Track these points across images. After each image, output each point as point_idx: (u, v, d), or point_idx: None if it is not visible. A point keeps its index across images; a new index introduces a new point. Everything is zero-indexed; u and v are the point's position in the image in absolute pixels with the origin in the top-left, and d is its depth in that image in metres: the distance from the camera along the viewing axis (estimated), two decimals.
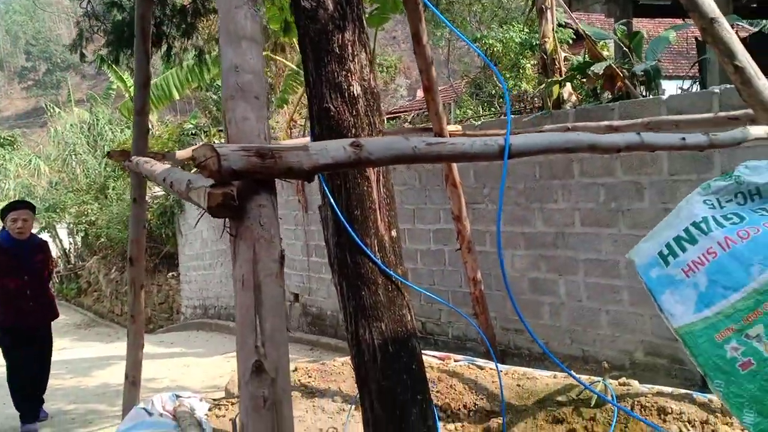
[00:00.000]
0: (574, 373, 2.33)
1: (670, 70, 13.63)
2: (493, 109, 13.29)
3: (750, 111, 3.32)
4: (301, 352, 8.07)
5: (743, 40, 7.56)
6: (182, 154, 4.47)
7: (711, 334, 1.46)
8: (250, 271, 1.42)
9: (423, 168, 7.06)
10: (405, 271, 3.59)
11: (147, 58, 4.44)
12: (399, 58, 26.24)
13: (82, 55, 6.49)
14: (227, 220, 1.52)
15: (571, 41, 13.45)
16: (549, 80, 6.00)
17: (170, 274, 14.32)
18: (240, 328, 1.43)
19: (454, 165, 5.43)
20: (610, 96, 5.80)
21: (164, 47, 6.24)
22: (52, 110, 23.71)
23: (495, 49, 14.06)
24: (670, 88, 9.24)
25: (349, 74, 3.59)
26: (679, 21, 8.05)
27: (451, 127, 5.37)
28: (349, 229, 3.29)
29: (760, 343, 1.39)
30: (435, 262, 7.13)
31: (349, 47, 3.62)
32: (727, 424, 3.68)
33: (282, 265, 1.47)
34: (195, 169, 1.64)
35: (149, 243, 14.67)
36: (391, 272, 3.42)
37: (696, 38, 9.64)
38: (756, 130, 2.83)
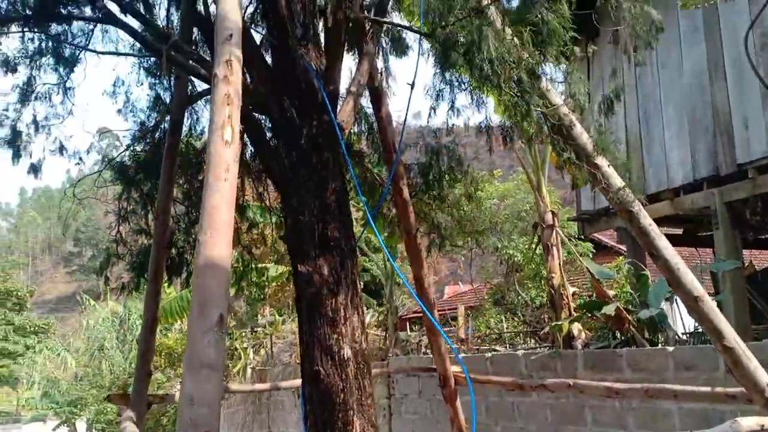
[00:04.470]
0: None
1: None
2: (516, 319, 13.23)
3: None
4: None
5: (753, 275, 7.59)
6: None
7: None
8: None
9: (434, 397, 6.90)
10: None
11: (157, 294, 4.69)
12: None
13: (107, 279, 6.79)
14: None
15: (591, 254, 13.71)
16: (554, 323, 6.01)
17: None
18: None
19: (459, 407, 5.29)
20: (618, 335, 5.75)
21: (184, 274, 6.53)
22: (87, 302, 24.28)
23: (515, 259, 14.35)
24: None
25: (340, 337, 3.67)
26: (685, 252, 8.12)
27: (455, 368, 5.30)
28: None
29: None
30: None
31: (342, 310, 3.74)
32: None
33: None
34: None
35: None
36: None
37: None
38: (746, 421, 2.76)
